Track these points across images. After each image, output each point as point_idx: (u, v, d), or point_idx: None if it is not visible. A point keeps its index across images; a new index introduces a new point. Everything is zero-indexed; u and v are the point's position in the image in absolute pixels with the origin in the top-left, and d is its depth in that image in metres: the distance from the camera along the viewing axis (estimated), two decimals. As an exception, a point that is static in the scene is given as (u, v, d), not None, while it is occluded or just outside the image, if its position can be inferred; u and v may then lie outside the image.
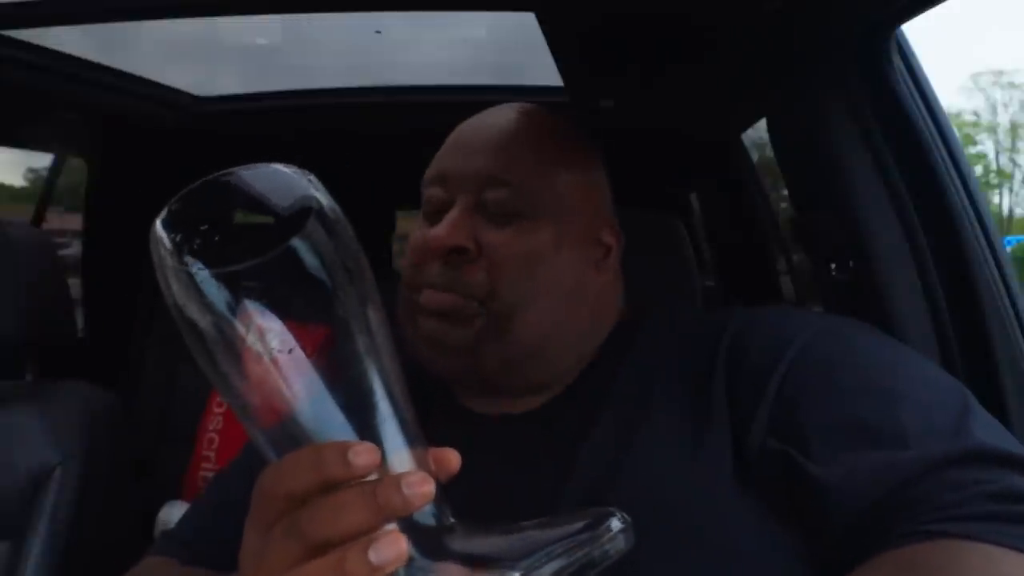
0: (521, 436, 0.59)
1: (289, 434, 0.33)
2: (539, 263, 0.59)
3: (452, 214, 0.59)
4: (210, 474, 1.67)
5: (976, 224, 0.85)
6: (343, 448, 0.31)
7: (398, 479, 0.31)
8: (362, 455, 0.31)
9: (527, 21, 1.06)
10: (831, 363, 0.52)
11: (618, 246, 0.66)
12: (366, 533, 0.30)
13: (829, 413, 0.49)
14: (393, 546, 0.30)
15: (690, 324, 0.63)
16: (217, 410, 1.71)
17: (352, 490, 0.31)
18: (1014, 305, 0.84)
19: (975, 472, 0.43)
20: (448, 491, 0.56)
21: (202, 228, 0.32)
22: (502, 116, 0.64)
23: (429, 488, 0.31)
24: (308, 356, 0.32)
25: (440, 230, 0.58)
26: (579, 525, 0.34)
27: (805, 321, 0.57)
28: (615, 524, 0.34)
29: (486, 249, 0.58)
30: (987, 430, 0.46)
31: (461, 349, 0.59)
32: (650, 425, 0.54)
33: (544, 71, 1.38)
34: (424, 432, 0.61)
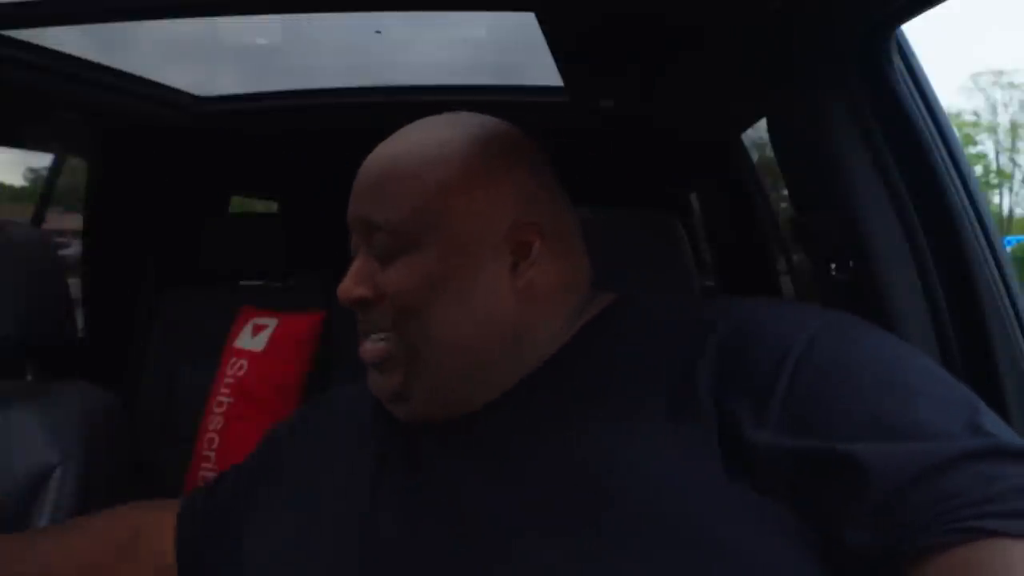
0: (491, 446, 0.58)
1: None
2: (431, 289, 0.60)
3: (352, 265, 0.64)
4: (210, 474, 1.67)
5: (976, 224, 0.85)
6: None
7: None
8: None
9: (527, 21, 1.06)
10: (840, 359, 0.52)
11: (545, 240, 0.63)
12: None
13: (846, 408, 0.49)
14: None
15: (677, 310, 0.63)
16: (217, 410, 1.71)
17: None
18: (1014, 305, 0.85)
19: (1001, 467, 0.44)
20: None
21: None
22: (387, 150, 0.65)
23: None
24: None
25: (342, 284, 0.63)
26: None
27: (804, 316, 0.56)
28: None
29: (388, 292, 0.61)
30: (999, 427, 0.47)
31: (396, 396, 0.63)
32: (629, 426, 0.54)
33: (544, 71, 1.38)
34: (399, 458, 0.62)
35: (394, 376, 0.62)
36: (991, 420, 0.48)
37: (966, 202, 0.86)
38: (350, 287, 0.63)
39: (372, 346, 0.63)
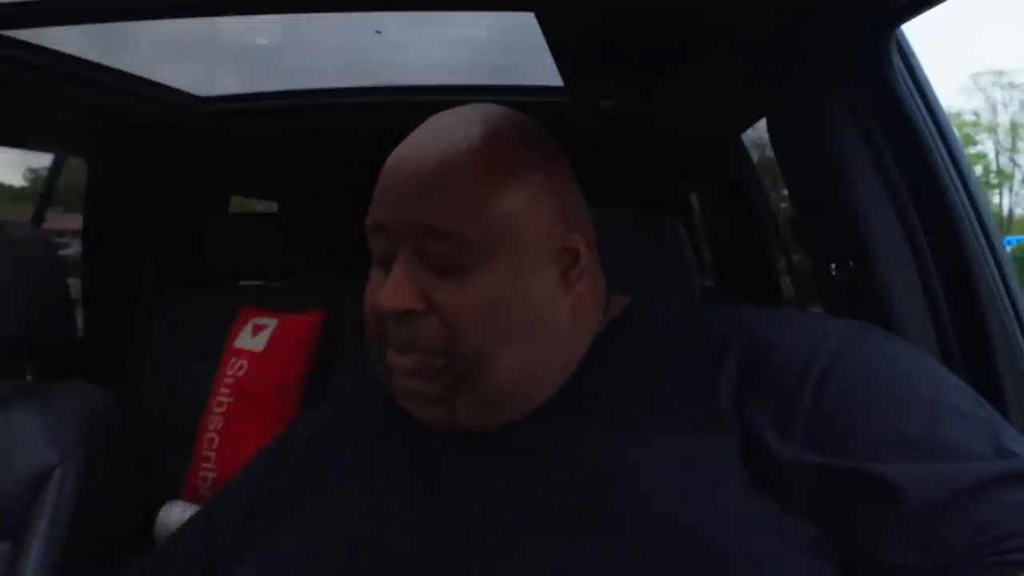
0: (510, 451, 0.57)
1: None
2: (497, 309, 0.55)
3: (395, 273, 0.56)
4: (210, 474, 1.67)
5: (976, 224, 0.85)
6: None
7: None
8: None
9: (527, 21, 1.06)
10: (865, 373, 0.51)
11: (589, 246, 0.62)
12: None
13: (872, 425, 0.49)
14: None
15: (695, 317, 0.62)
16: (217, 410, 1.71)
17: None
18: (1014, 305, 0.85)
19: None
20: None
21: None
22: (431, 144, 0.58)
23: None
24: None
25: (385, 295, 0.56)
26: None
27: (824, 329, 0.56)
28: None
29: (438, 305, 0.55)
30: (1021, 444, 0.48)
31: (435, 400, 0.57)
32: (650, 419, 0.54)
33: (544, 71, 1.38)
34: (413, 434, 0.61)
35: (436, 383, 0.57)
36: (1013, 438, 0.48)
37: (966, 202, 0.86)
38: (396, 297, 0.55)
39: (410, 360, 0.57)
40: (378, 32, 1.45)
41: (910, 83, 0.89)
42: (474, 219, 0.55)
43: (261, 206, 3.26)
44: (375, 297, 0.58)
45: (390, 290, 0.55)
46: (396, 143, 0.62)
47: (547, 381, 0.59)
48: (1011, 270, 0.86)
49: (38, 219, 1.92)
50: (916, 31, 0.88)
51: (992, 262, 0.85)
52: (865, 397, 0.50)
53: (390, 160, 0.60)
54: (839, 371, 0.51)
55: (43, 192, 1.94)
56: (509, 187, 0.57)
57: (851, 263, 0.93)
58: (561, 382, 0.60)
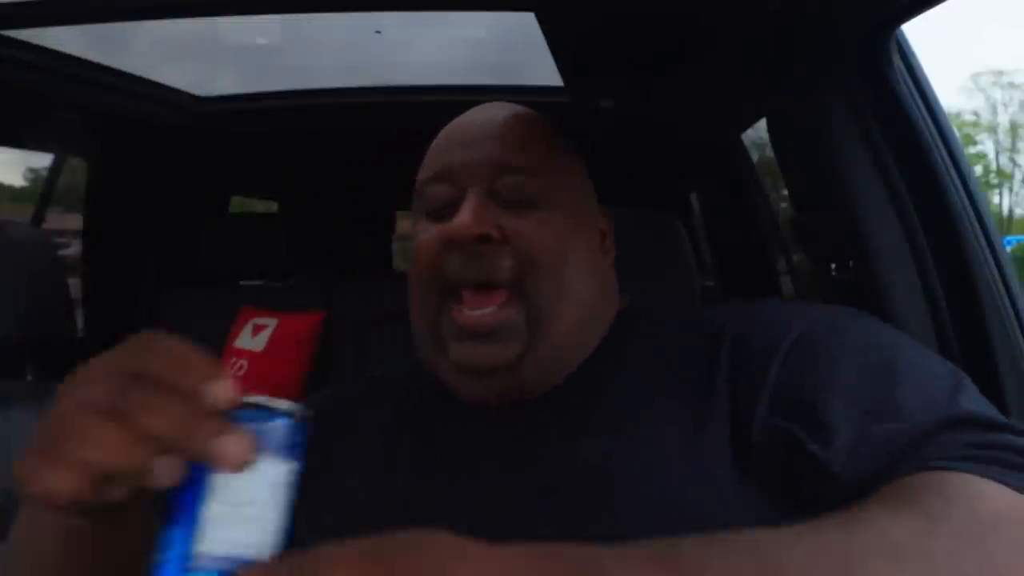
0: (524, 426, 0.59)
1: None
2: (564, 250, 0.59)
3: (470, 204, 0.57)
4: (210, 474, 1.67)
5: (976, 224, 0.85)
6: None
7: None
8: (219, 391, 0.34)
9: (527, 21, 1.06)
10: (830, 345, 0.53)
11: (610, 231, 0.67)
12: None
13: (830, 391, 0.50)
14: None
15: (692, 317, 0.64)
16: (217, 410, 1.71)
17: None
18: (1014, 305, 0.85)
19: (962, 434, 0.46)
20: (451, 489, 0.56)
21: None
22: (498, 110, 0.64)
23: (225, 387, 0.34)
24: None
25: (464, 219, 0.56)
26: None
27: (804, 310, 0.58)
28: None
29: (511, 236, 0.57)
30: (976, 402, 0.49)
31: (501, 369, 0.57)
32: (650, 416, 0.55)
33: (544, 71, 1.38)
34: (421, 428, 0.62)
35: (509, 346, 0.56)
36: (971, 396, 0.49)
37: (966, 202, 0.86)
38: (475, 222, 0.56)
39: (490, 313, 0.56)
40: (378, 32, 1.45)
41: (910, 83, 0.89)
42: (544, 160, 0.61)
43: (261, 206, 3.26)
44: (442, 229, 0.58)
45: (466, 216, 0.56)
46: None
47: (585, 348, 0.61)
48: (1011, 270, 0.86)
49: (38, 219, 1.92)
50: (916, 31, 0.89)
51: (992, 262, 0.85)
52: (825, 367, 0.51)
53: (451, 125, 0.65)
54: (805, 345, 0.53)
55: (43, 192, 1.94)
56: (561, 155, 0.64)
57: (851, 263, 0.94)
58: (579, 362, 0.61)
